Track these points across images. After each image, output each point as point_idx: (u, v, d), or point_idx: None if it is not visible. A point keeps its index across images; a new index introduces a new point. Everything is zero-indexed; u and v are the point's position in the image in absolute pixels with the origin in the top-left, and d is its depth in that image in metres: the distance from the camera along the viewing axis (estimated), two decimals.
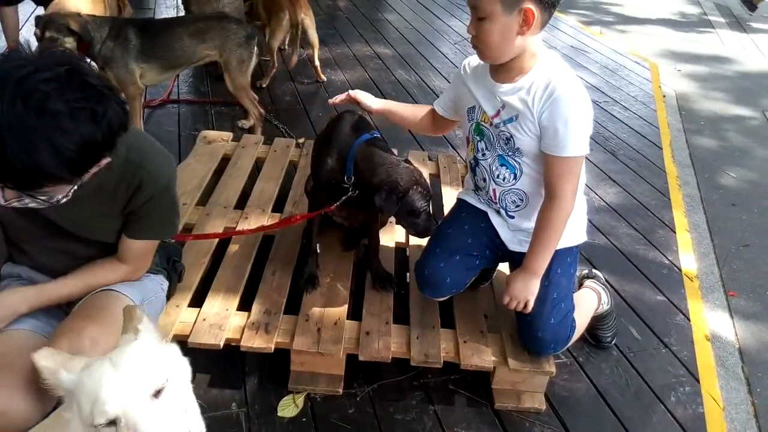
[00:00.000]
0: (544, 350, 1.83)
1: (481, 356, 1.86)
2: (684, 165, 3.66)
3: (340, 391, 1.87)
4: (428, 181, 2.69)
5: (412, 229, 1.92)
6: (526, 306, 1.76)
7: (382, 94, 4.16)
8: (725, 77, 5.34)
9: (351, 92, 2.06)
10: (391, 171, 1.86)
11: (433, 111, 2.08)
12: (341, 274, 2.12)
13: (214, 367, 1.93)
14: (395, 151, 2.21)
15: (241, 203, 2.46)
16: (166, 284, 1.72)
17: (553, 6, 1.57)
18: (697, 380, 2.09)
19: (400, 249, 2.33)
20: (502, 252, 1.95)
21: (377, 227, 2.12)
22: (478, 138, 1.84)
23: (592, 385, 2.02)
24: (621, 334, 2.23)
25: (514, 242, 1.90)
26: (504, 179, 1.81)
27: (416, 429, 1.81)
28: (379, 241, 2.15)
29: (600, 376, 2.06)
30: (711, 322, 2.42)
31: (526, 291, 1.75)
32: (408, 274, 2.21)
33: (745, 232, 3.10)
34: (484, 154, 1.84)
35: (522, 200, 1.82)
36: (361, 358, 1.84)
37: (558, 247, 1.83)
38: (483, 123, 1.80)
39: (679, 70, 5.33)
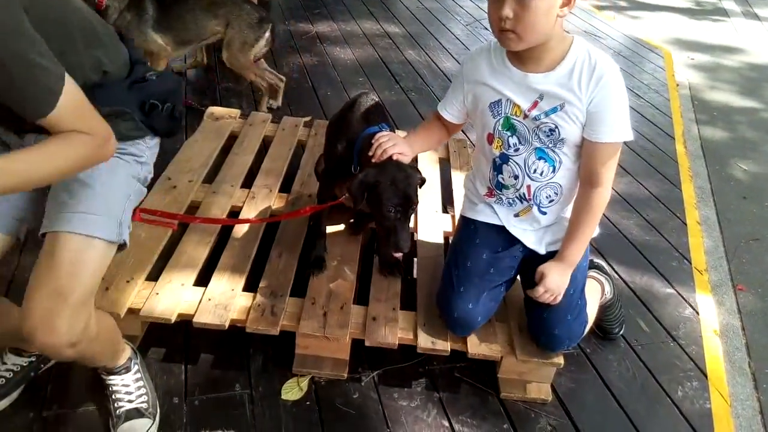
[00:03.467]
0: (558, 347, 1.80)
1: (488, 345, 1.84)
2: (695, 156, 3.62)
3: (345, 375, 1.85)
4: (439, 167, 2.66)
5: (383, 229, 1.73)
6: (555, 298, 1.71)
7: (391, 74, 4.10)
8: (738, 67, 5.26)
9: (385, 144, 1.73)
10: (379, 162, 1.72)
11: (437, 118, 1.91)
12: (348, 258, 2.10)
13: (219, 347, 1.91)
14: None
15: (248, 182, 2.42)
16: (144, 158, 1.50)
17: None
18: (705, 375, 2.08)
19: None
20: (524, 264, 1.87)
21: None
22: (508, 133, 1.72)
23: (598, 377, 2.00)
24: (629, 326, 2.21)
25: (541, 245, 1.83)
26: (542, 173, 1.73)
27: (421, 416, 1.79)
28: None
29: (607, 368, 2.04)
30: (719, 316, 2.39)
31: (562, 282, 1.70)
32: (415, 260, 2.19)
33: (755, 225, 3.06)
34: (517, 150, 1.73)
35: (557, 194, 1.76)
36: (367, 343, 1.82)
37: None
38: (515, 116, 1.69)
39: (692, 59, 5.25)
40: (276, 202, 2.34)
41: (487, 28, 5.20)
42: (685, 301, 2.41)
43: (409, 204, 1.70)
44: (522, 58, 1.63)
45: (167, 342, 1.90)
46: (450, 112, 1.87)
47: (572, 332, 1.78)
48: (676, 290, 2.46)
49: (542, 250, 1.83)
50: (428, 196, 2.45)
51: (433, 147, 2.01)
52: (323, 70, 4.07)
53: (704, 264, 2.66)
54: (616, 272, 2.49)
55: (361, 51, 4.44)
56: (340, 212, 2.22)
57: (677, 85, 4.57)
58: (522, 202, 1.81)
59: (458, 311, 1.79)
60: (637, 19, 6.22)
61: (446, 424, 1.78)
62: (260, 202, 2.31)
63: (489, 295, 1.82)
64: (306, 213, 1.98)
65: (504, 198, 1.84)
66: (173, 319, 1.78)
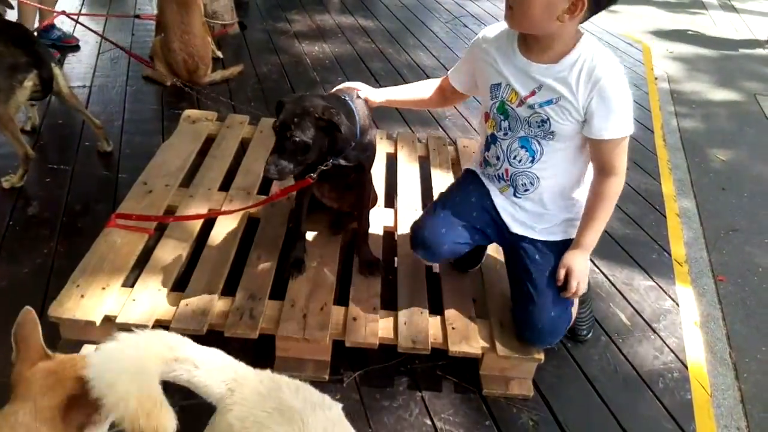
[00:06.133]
0: (541, 342, 1.81)
1: (469, 342, 1.84)
2: (675, 148, 3.64)
3: (327, 377, 1.84)
4: (418, 165, 2.66)
5: None
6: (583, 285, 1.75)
7: (371, 73, 4.09)
8: (716, 59, 5.30)
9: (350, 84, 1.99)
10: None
11: (443, 85, 2.00)
12: (328, 259, 2.08)
13: None
14: (380, 130, 2.14)
15: (226, 185, 2.40)
16: None
17: (605, 5, 1.53)
18: (686, 366, 2.09)
19: (389, 233, 2.29)
20: (501, 234, 1.89)
21: (367, 211, 2.08)
22: (501, 117, 1.75)
23: (580, 372, 2.00)
24: (610, 320, 2.22)
25: (515, 225, 1.85)
26: (520, 161, 1.76)
27: (403, 416, 1.79)
28: (368, 226, 2.10)
29: (588, 362, 2.04)
30: (700, 307, 2.41)
31: (586, 269, 1.75)
32: (396, 259, 2.18)
33: (734, 216, 3.09)
34: (506, 134, 1.76)
35: (533, 184, 1.77)
36: (347, 344, 1.81)
37: (564, 238, 1.82)
38: (509, 102, 1.71)
39: (671, 52, 5.29)
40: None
41: (467, 26, 5.20)
42: (665, 293, 2.42)
43: (282, 129, 1.67)
44: (530, 46, 1.66)
45: None
46: (459, 80, 1.94)
47: (556, 328, 1.78)
48: (656, 282, 2.47)
49: (513, 228, 1.85)
50: (408, 194, 2.45)
51: (411, 101, 2.08)
52: (302, 70, 4.04)
53: (684, 256, 2.68)
54: (596, 266, 2.50)
55: (341, 50, 4.42)
56: (319, 213, 2.21)
57: (656, 78, 4.59)
58: (500, 181, 1.85)
59: (428, 229, 1.83)
60: (616, 13, 6.25)
61: (428, 422, 1.77)
62: (238, 205, 2.28)
63: (464, 230, 1.85)
64: (277, 197, 2.04)
65: (488, 173, 1.89)
66: (150, 325, 1.75)
